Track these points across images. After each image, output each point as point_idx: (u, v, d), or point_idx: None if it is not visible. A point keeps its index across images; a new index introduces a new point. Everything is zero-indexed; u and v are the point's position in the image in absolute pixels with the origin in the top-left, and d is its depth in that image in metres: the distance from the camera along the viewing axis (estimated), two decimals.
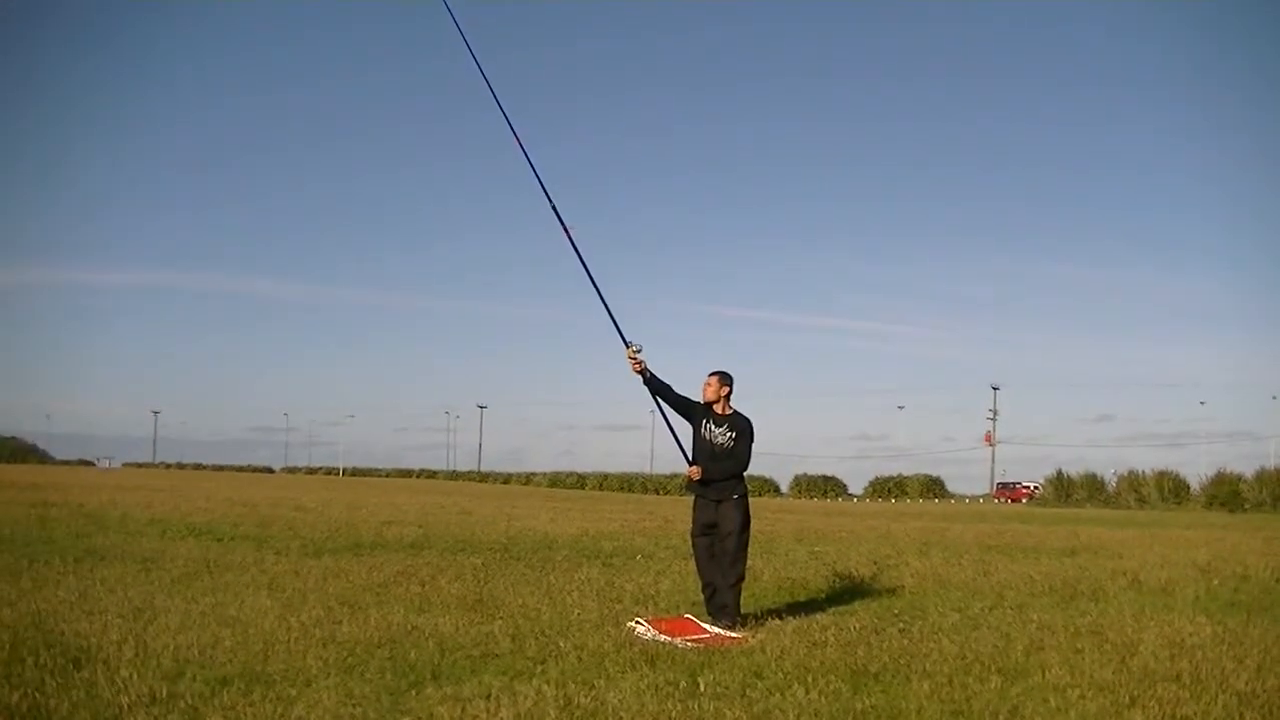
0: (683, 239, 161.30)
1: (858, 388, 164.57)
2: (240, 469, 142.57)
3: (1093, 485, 65.57)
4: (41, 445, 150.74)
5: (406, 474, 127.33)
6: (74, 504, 25.08)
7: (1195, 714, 6.19)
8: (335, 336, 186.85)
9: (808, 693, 6.45)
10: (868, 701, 6.33)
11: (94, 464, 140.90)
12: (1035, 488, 77.16)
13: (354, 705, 6.02)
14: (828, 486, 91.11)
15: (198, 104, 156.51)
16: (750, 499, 9.34)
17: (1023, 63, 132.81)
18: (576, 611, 9.57)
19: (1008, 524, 31.48)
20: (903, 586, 12.48)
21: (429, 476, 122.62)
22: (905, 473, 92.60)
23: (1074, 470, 69.10)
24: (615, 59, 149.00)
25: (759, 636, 8.36)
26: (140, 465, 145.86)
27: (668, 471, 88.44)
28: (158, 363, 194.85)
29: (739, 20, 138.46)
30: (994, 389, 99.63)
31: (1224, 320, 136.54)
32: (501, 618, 9.09)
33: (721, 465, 9.15)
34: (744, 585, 9.28)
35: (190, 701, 5.94)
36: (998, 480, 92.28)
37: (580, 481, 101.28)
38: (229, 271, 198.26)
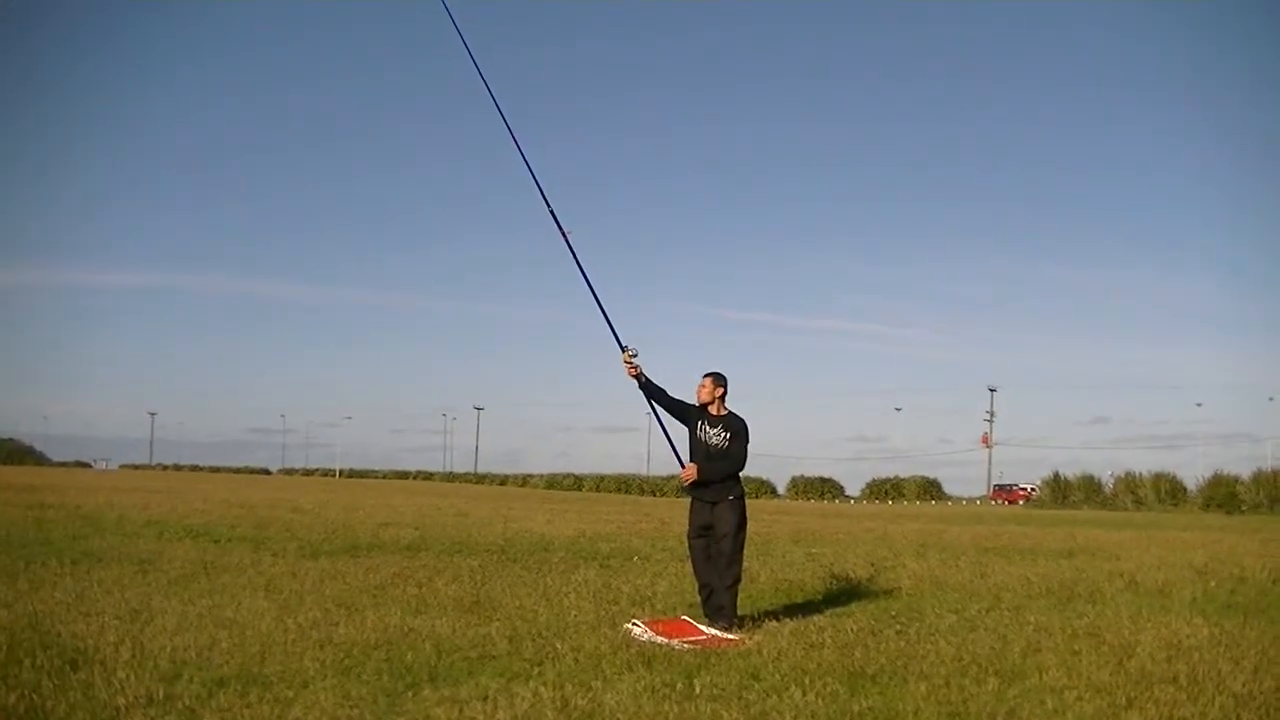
0: (680, 240, 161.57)
1: (855, 389, 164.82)
2: (237, 470, 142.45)
3: (1090, 487, 65.55)
4: (38, 447, 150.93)
5: (403, 475, 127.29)
6: (71, 505, 25.06)
7: (1192, 716, 6.20)
8: (332, 338, 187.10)
9: (804, 694, 6.45)
10: (865, 703, 6.34)
11: (91, 465, 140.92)
12: (1032, 489, 77.19)
13: (351, 707, 6.01)
14: (825, 488, 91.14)
15: (197, 104, 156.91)
16: (747, 500, 9.34)
17: (1022, 63, 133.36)
18: (573, 613, 9.57)
19: (1005, 526, 31.49)
20: (900, 588, 12.49)
21: (426, 478, 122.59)
22: (902, 474, 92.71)
23: (1071, 472, 69.11)
24: (613, 59, 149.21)
25: (756, 638, 8.36)
26: (137, 467, 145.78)
27: (664, 473, 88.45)
28: (155, 364, 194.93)
29: (738, 20, 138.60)
30: (991, 390, 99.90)
31: (1221, 322, 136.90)
32: (498, 619, 9.09)
33: (717, 466, 9.15)
34: (741, 587, 9.29)
35: (187, 703, 5.94)
36: (995, 482, 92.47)
37: (577, 483, 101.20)
38: (227, 272, 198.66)
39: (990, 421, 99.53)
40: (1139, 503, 59.45)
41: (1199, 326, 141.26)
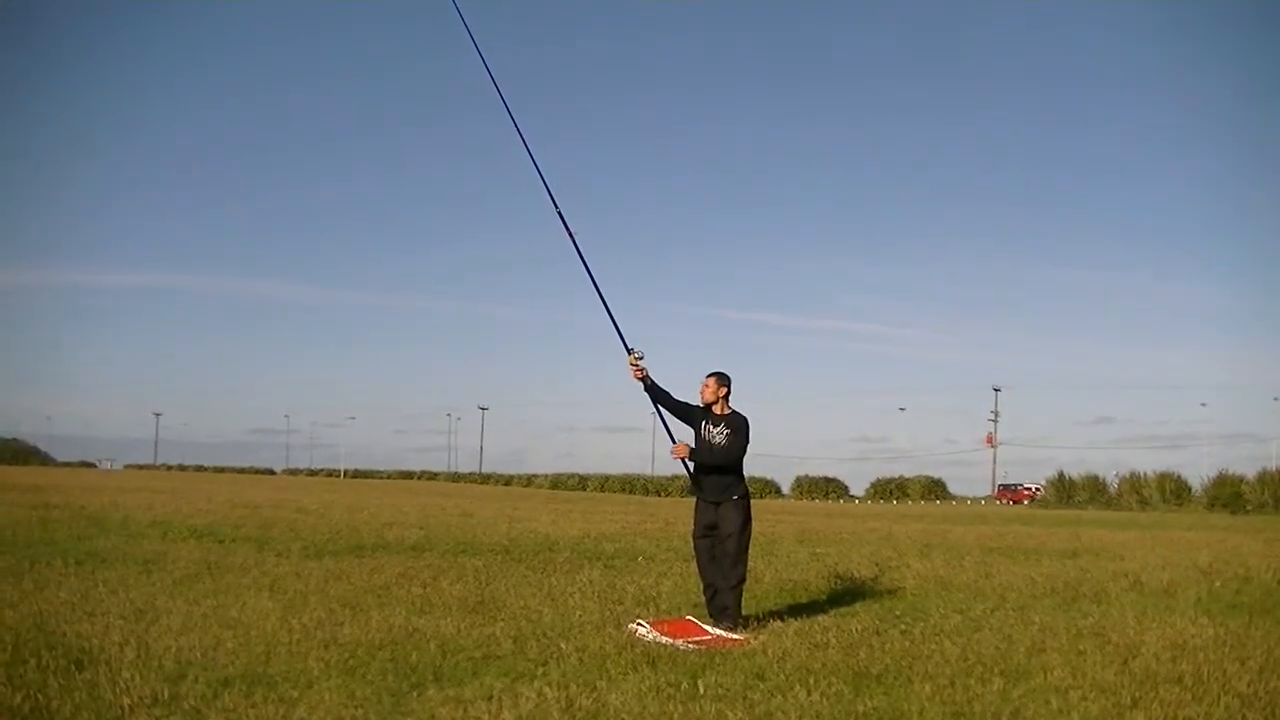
0: (682, 240, 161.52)
1: (859, 389, 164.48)
2: (242, 471, 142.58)
3: (1094, 487, 65.48)
4: (43, 447, 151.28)
5: (408, 476, 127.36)
6: (75, 506, 25.09)
7: (1197, 716, 6.19)
8: (336, 338, 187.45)
9: (809, 695, 6.45)
10: (870, 703, 6.34)
11: (95, 466, 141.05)
12: (1037, 489, 77.14)
13: (356, 707, 6.02)
14: (829, 488, 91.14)
15: (198, 104, 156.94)
16: (751, 500, 9.34)
17: (1023, 64, 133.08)
18: (578, 613, 9.57)
19: (1009, 526, 31.46)
20: (904, 588, 12.48)
21: (430, 478, 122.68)
22: (907, 474, 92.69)
23: (1075, 472, 69.04)
24: (615, 60, 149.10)
25: (760, 638, 8.36)
26: (142, 467, 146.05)
27: (669, 473, 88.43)
28: (159, 364, 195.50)
29: (739, 20, 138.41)
30: (995, 390, 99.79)
31: (1225, 322, 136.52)
32: (503, 619, 9.09)
33: (718, 464, 9.16)
34: (745, 587, 9.28)
35: (192, 703, 5.95)
36: (999, 482, 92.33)
37: (581, 483, 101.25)
38: (230, 273, 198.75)
39: (995, 421, 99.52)
40: (1144, 503, 59.38)
41: (1203, 327, 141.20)
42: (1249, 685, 6.89)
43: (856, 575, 13.57)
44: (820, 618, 9.72)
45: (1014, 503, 77.11)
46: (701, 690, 6.54)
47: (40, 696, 5.94)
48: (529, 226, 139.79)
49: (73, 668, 6.68)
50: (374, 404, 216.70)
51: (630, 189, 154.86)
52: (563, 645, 7.84)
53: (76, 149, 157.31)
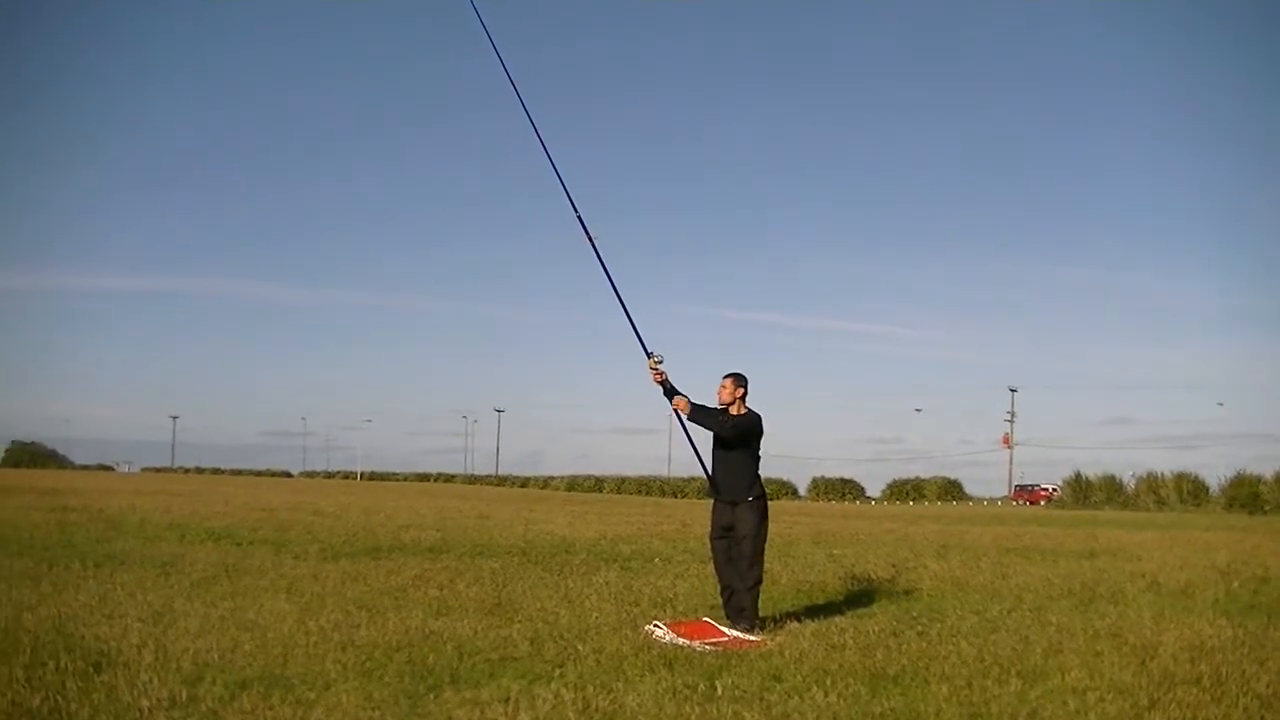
0: (695, 242, 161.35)
1: (875, 390, 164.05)
2: (258, 473, 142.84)
3: (1111, 487, 65.10)
4: (61, 450, 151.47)
5: (424, 478, 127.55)
6: (93, 509, 25.23)
7: (1215, 717, 6.17)
8: (352, 340, 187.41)
9: (826, 696, 6.45)
10: (886, 704, 6.33)
11: (113, 469, 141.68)
12: (1053, 490, 76.80)
13: (373, 709, 6.04)
14: (845, 489, 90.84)
15: (204, 103, 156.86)
16: (769, 501, 9.34)
17: (1036, 62, 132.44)
18: (595, 615, 9.58)
19: (1026, 526, 31.34)
20: (921, 589, 12.46)
21: (447, 480, 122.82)
22: (923, 475, 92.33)
23: (1092, 472, 68.70)
24: (619, 60, 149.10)
25: (777, 639, 8.36)
26: (159, 470, 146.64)
27: (685, 475, 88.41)
28: (176, 368, 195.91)
29: (742, 21, 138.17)
30: (1012, 391, 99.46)
31: (1241, 321, 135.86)
32: (520, 621, 9.11)
33: (730, 469, 9.16)
34: (762, 588, 9.28)
35: (210, 705, 5.98)
36: (1016, 482, 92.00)
37: (598, 485, 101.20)
38: (247, 276, 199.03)
39: (1011, 422, 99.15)
40: (1161, 503, 59.04)
41: (1219, 326, 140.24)
42: (1268, 686, 6.86)
43: (873, 576, 13.55)
44: (837, 619, 9.71)
45: (1030, 503, 76.82)
46: (719, 692, 6.54)
47: (59, 698, 5.97)
48: (545, 228, 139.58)
49: (91, 670, 6.71)
50: (390, 406, 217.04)
51: (640, 190, 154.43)
52: (579, 647, 7.85)
53: (78, 150, 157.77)
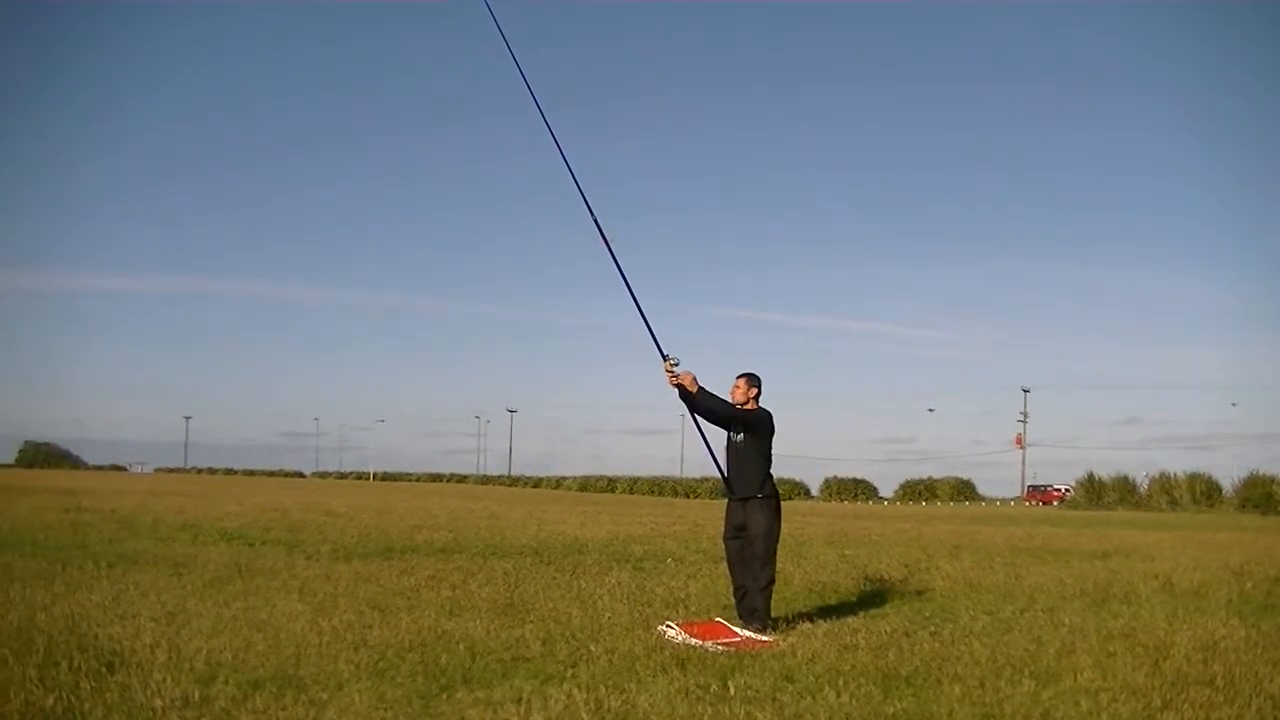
0: (710, 242, 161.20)
1: (888, 390, 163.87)
2: (271, 474, 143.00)
3: (1124, 488, 64.90)
4: (74, 451, 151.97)
5: (437, 478, 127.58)
6: (106, 509, 25.30)
7: (1229, 717, 6.15)
8: (365, 341, 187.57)
9: (839, 696, 6.44)
10: (899, 705, 6.32)
11: (126, 469, 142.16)
12: (1066, 490, 76.60)
13: (385, 709, 6.05)
14: (858, 489, 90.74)
15: (221, 102, 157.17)
16: (781, 501, 9.33)
17: (1051, 66, 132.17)
18: (607, 615, 9.58)
19: (1039, 527, 31.27)
20: (933, 590, 12.44)
21: (459, 481, 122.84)
22: (935, 475, 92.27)
23: (1105, 473, 68.49)
24: (626, 61, 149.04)
25: (790, 640, 8.35)
26: (172, 470, 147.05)
27: (698, 475, 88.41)
28: (189, 368, 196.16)
29: (746, 21, 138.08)
30: (1024, 391, 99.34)
31: (1254, 321, 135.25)
32: (532, 621, 9.11)
33: (741, 466, 9.17)
34: (775, 589, 9.27)
35: (223, 705, 5.99)
36: (1028, 483, 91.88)
37: (610, 485, 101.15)
38: (260, 277, 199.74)
39: (1024, 422, 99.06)
40: (1174, 503, 58.86)
41: (1231, 326, 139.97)
42: None
43: (886, 577, 13.53)
44: (849, 619, 9.70)
45: (1043, 504, 76.68)
46: (731, 692, 6.54)
47: (72, 698, 5.99)
48: (558, 229, 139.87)
49: (104, 670, 6.73)
50: (403, 407, 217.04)
51: (657, 190, 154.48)
52: (592, 647, 7.85)
53: (77, 150, 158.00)
